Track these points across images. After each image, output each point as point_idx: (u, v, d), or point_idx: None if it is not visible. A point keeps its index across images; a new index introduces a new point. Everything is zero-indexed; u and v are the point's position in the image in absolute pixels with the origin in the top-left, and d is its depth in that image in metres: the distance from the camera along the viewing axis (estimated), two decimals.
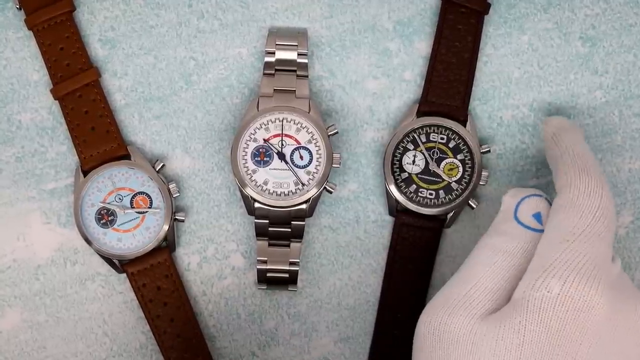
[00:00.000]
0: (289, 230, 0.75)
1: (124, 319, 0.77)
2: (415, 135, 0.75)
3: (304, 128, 0.74)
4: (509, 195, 0.69)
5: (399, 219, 0.76)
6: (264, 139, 0.74)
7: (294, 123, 0.74)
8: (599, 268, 0.63)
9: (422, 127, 0.75)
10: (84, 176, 0.75)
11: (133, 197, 0.75)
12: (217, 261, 0.77)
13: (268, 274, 0.75)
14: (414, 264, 0.76)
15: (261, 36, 0.77)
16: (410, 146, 0.75)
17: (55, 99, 0.75)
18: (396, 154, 0.75)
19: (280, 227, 0.74)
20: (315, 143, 0.74)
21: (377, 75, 0.77)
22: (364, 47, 0.77)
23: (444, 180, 0.75)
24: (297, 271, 0.75)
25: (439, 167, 0.75)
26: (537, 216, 0.68)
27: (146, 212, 0.75)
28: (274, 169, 0.74)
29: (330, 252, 0.77)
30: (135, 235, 0.75)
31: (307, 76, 0.75)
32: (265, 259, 0.75)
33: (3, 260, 0.76)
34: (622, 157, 0.77)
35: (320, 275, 0.77)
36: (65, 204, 0.76)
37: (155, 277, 0.75)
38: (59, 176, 0.76)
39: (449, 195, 0.75)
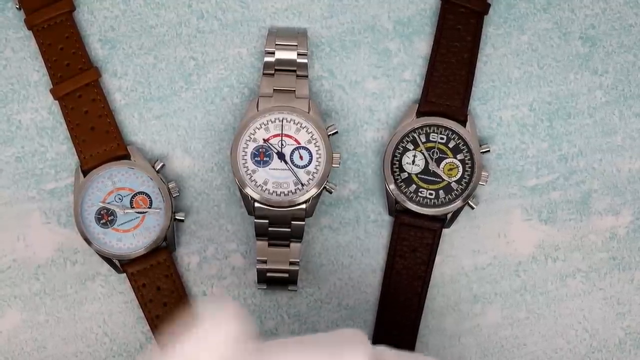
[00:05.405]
0: (289, 230, 0.75)
1: (124, 319, 0.77)
2: (415, 135, 0.75)
3: (303, 128, 0.74)
4: None
5: (399, 219, 0.75)
6: (263, 139, 0.74)
7: (294, 123, 0.74)
8: None
9: (421, 127, 0.75)
10: (84, 176, 0.75)
11: (133, 197, 0.75)
12: (217, 261, 0.77)
13: (268, 274, 0.75)
14: (413, 264, 0.76)
15: (261, 36, 0.77)
16: (410, 146, 0.75)
17: (55, 99, 0.75)
18: (396, 154, 0.75)
19: (280, 227, 0.74)
20: (315, 143, 0.74)
21: (377, 75, 0.77)
22: (364, 47, 0.77)
23: (443, 180, 0.75)
24: (297, 271, 0.75)
25: (439, 167, 0.75)
26: None
27: (146, 212, 0.75)
28: (274, 169, 0.74)
29: (330, 252, 0.77)
30: (135, 235, 0.75)
31: (306, 76, 0.75)
32: (265, 259, 0.75)
33: (3, 260, 0.76)
34: (622, 157, 0.77)
35: (320, 275, 0.77)
36: (65, 203, 0.76)
37: (155, 277, 0.75)
38: (59, 176, 0.76)
39: (449, 195, 0.75)
